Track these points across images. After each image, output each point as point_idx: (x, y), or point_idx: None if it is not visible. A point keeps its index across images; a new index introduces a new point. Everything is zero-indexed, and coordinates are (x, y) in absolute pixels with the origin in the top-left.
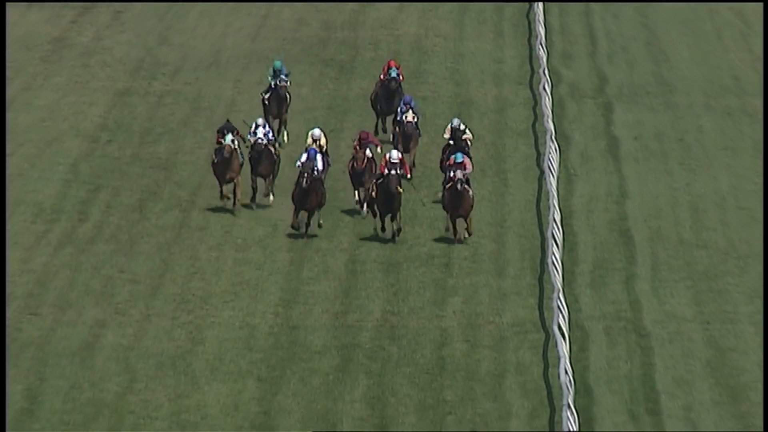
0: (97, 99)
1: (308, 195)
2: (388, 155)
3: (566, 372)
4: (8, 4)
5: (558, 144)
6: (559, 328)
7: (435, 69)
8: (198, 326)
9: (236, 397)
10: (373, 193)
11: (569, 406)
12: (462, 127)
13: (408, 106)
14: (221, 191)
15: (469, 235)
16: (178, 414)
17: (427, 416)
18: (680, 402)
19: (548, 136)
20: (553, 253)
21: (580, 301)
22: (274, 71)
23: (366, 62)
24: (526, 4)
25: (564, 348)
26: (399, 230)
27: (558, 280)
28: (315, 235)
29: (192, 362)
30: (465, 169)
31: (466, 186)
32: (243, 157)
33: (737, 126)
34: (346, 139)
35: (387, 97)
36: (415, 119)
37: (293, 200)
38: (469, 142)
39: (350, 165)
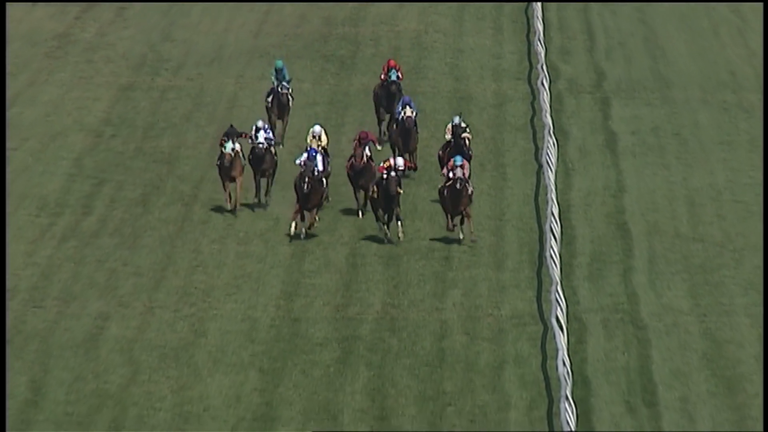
0: (100, 94)
1: (310, 196)
2: (392, 161)
3: (564, 364)
4: (14, 2)
5: (556, 138)
6: (557, 320)
7: (435, 65)
8: (200, 318)
9: (238, 389)
10: (374, 194)
11: (567, 398)
12: (463, 124)
13: (407, 106)
14: (228, 194)
15: (473, 242)
16: (181, 405)
17: (427, 407)
18: (677, 393)
19: (546, 131)
20: (552, 247)
21: (578, 293)
22: (276, 71)
23: (367, 58)
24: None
25: (562, 340)
26: (399, 238)
27: (556, 273)
28: (315, 235)
29: (195, 354)
30: (464, 170)
31: (465, 184)
32: (245, 161)
33: (733, 121)
34: (347, 134)
35: (387, 100)
36: (414, 113)
37: (297, 200)
38: (467, 141)
39: (349, 163)
